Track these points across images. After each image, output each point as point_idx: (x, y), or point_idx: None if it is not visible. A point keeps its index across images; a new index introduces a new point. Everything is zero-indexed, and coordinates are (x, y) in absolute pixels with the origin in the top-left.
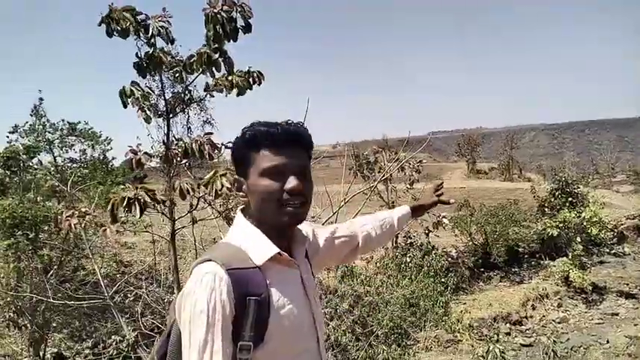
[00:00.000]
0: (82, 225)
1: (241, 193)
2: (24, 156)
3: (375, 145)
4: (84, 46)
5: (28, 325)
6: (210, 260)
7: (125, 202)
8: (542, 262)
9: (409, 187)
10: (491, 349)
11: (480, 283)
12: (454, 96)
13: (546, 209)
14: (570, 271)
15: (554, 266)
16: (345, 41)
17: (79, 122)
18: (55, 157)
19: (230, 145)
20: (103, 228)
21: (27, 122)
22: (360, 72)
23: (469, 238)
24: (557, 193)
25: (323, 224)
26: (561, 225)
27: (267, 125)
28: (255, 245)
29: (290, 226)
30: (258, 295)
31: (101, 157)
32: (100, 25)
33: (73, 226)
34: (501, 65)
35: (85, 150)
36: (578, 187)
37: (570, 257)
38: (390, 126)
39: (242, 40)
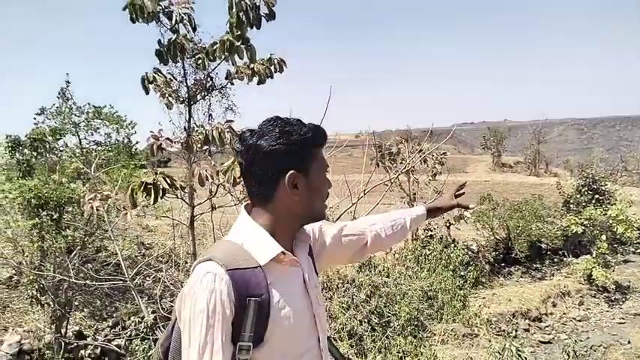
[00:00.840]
0: (105, 207)
1: (296, 190)
2: (50, 138)
3: (398, 136)
4: (109, 34)
5: (51, 303)
6: (210, 260)
7: (144, 188)
8: (565, 259)
9: (431, 178)
10: (507, 346)
11: (500, 278)
12: (480, 88)
13: (571, 206)
14: (593, 269)
15: (577, 264)
16: (370, 30)
17: (105, 106)
18: (80, 140)
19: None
20: (124, 212)
21: (54, 104)
22: (385, 62)
23: (491, 233)
24: (583, 190)
25: (341, 215)
26: (586, 222)
27: (319, 126)
28: (259, 244)
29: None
30: (258, 296)
31: (125, 141)
32: (124, 9)
33: (95, 208)
34: (529, 58)
35: (109, 133)
36: (606, 184)
37: (594, 255)
38: (415, 116)
39: (265, 26)
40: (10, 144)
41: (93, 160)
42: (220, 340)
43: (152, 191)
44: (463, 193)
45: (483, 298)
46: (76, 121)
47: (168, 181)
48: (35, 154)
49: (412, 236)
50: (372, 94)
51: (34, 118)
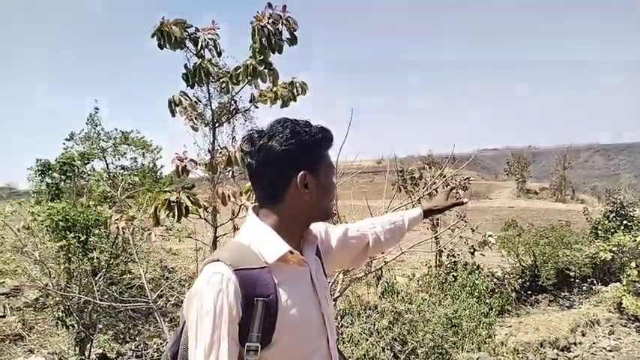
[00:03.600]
0: (130, 229)
1: (306, 190)
2: (78, 162)
3: (419, 161)
4: (135, 61)
5: (76, 324)
6: (218, 260)
7: (167, 205)
8: (593, 287)
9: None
10: None
11: (527, 306)
12: (504, 113)
13: (599, 232)
14: (624, 297)
15: (607, 292)
16: (390, 53)
17: (132, 131)
18: (107, 164)
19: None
20: (148, 232)
21: (82, 130)
22: (406, 87)
23: (516, 259)
24: (611, 216)
25: None
26: (615, 249)
27: (327, 128)
28: (267, 244)
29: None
30: (265, 296)
31: (151, 165)
32: (152, 37)
33: (120, 229)
34: (554, 82)
35: (135, 158)
36: (634, 210)
37: (624, 283)
38: (437, 142)
39: (287, 50)
40: (40, 168)
41: (119, 184)
42: (227, 340)
43: (175, 209)
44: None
45: (510, 326)
46: (103, 146)
47: (192, 199)
48: (64, 177)
49: (436, 262)
50: (393, 119)
51: (64, 143)
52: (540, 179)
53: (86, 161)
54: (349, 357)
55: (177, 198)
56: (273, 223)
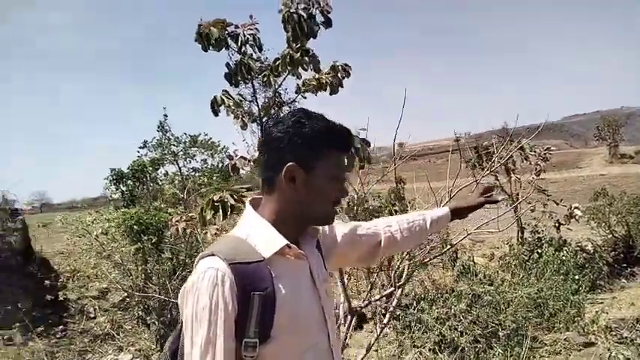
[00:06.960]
0: (191, 229)
1: (292, 184)
2: (150, 168)
3: (495, 135)
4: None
5: (156, 322)
6: (213, 255)
7: (211, 205)
8: None
9: (535, 177)
10: (630, 356)
11: (621, 280)
12: (590, 74)
13: None
14: None
15: None
16: (469, 26)
17: (200, 134)
18: (179, 168)
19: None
20: (205, 231)
21: (154, 137)
22: (489, 60)
23: (608, 231)
24: None
25: None
26: None
27: (342, 128)
28: (263, 238)
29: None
30: (262, 290)
31: (220, 165)
32: (196, 41)
33: (180, 230)
34: None
35: (205, 159)
36: None
37: None
38: (521, 112)
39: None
40: (113, 177)
41: (187, 185)
42: (223, 337)
43: (220, 208)
44: (491, 195)
45: (601, 302)
46: (174, 150)
47: (236, 197)
48: (138, 184)
49: (518, 240)
50: (474, 93)
51: (138, 151)
52: (635, 142)
53: (157, 166)
54: (425, 343)
55: (220, 197)
56: (269, 214)
